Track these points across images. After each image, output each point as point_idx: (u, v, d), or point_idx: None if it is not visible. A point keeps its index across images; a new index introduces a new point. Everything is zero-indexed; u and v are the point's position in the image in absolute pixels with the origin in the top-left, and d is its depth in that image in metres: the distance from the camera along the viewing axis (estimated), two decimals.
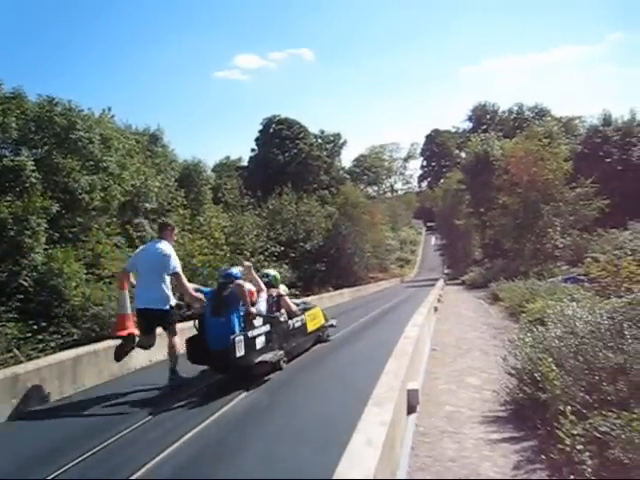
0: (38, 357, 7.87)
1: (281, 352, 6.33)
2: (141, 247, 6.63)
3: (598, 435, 3.26)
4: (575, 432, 3.34)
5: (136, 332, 6.02)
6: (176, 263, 5.98)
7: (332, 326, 9.07)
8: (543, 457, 3.63)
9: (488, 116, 63.43)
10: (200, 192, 26.14)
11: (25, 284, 11.93)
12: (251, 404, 5.03)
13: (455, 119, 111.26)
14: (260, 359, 5.81)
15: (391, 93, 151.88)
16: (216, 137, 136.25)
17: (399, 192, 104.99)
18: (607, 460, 3.13)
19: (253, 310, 6.05)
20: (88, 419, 4.81)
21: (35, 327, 10.59)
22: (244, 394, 5.31)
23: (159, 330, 6.14)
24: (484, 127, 46.10)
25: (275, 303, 6.90)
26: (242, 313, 5.95)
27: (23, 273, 12.07)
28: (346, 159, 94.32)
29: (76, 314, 11.42)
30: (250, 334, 5.83)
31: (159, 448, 3.79)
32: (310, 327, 7.78)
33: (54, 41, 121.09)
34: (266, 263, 18.12)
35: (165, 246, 6.02)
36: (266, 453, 3.71)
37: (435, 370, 6.96)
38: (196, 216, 21.02)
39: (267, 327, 6.25)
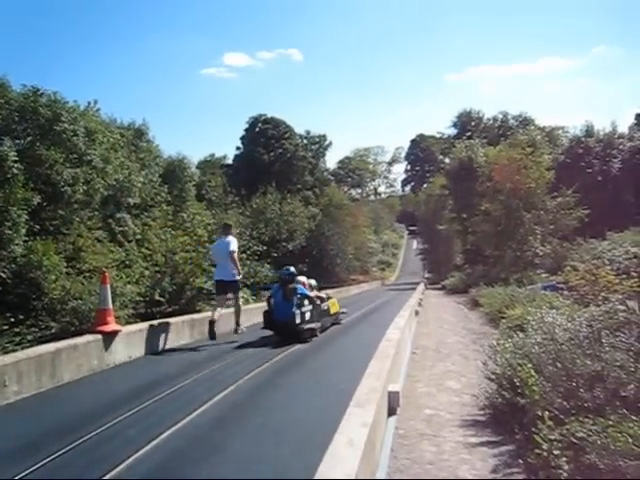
0: (15, 350, 7.75)
1: (319, 324, 9.36)
2: (215, 242, 9.61)
3: (575, 440, 3.32)
4: (552, 437, 3.40)
5: (119, 328, 6.02)
6: (235, 248, 8.78)
7: (344, 312, 12.10)
8: (520, 461, 3.69)
9: (473, 123, 63.71)
10: (184, 189, 25.92)
11: (3, 276, 11.76)
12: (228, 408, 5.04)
13: (440, 125, 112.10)
14: (308, 326, 8.77)
15: (377, 97, 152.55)
16: (201, 134, 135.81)
17: (383, 195, 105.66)
18: (583, 465, 3.19)
19: (313, 295, 9.59)
20: (69, 413, 4.78)
21: (12, 320, 10.44)
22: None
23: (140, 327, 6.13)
24: (469, 134, 46.31)
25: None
26: (298, 297, 8.71)
27: (1, 265, 11.88)
28: (331, 161, 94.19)
29: (55, 307, 11.28)
30: (303, 310, 8.68)
31: (138, 444, 3.79)
32: (332, 311, 10.85)
33: (42, 33, 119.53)
34: (248, 262, 18.05)
35: (231, 239, 8.87)
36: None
37: (415, 373, 7.01)
38: (179, 212, 20.81)
39: (311, 307, 9.06)
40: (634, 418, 3.36)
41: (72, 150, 14.82)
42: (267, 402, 5.08)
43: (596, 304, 7.05)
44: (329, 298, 11.08)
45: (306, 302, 8.93)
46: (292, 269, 9.39)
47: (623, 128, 45.85)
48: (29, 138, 14.49)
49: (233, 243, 8.74)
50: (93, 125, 16.49)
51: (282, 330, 8.66)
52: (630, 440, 3.09)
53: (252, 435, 4.06)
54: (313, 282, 10.52)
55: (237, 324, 8.95)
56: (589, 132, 41.94)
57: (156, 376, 6.20)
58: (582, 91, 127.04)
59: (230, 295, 8.94)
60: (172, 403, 4.99)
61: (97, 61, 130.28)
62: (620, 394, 3.96)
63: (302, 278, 9.90)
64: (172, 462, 3.57)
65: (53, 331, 10.54)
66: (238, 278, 8.84)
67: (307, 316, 8.81)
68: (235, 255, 8.74)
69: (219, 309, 8.67)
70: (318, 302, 9.70)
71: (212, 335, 8.30)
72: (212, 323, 8.38)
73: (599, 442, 3.19)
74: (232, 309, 9.13)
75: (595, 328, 4.99)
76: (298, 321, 8.48)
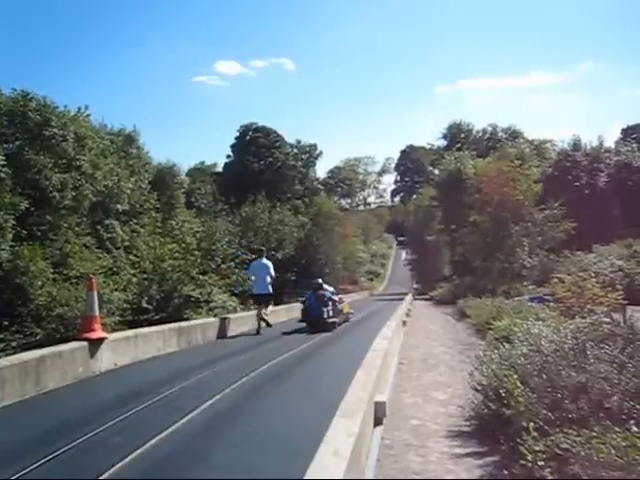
0: None
1: (337, 319, 12.54)
2: (255, 262, 12.38)
3: (559, 452, 3.33)
4: (537, 448, 3.40)
5: (105, 335, 5.98)
6: (272, 272, 11.85)
7: (352, 313, 15.47)
8: (505, 472, 3.69)
9: (462, 135, 64.16)
10: (173, 196, 25.95)
11: None
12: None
13: (430, 136, 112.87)
14: (331, 320, 12.00)
15: (368, 108, 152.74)
16: (192, 141, 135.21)
17: (372, 205, 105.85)
18: (566, 476, 3.21)
19: (336, 299, 13.09)
20: (52, 420, 4.73)
21: None
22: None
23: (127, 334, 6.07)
24: (458, 145, 46.63)
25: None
26: (325, 299, 12.09)
27: None
28: (321, 170, 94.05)
29: (41, 314, 11.20)
30: (328, 308, 12.00)
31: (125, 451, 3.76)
32: (344, 310, 14.23)
33: (32, 38, 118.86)
34: (237, 270, 18.04)
35: (268, 262, 12.04)
36: None
37: (402, 383, 7.02)
38: (168, 220, 20.75)
39: (333, 306, 12.26)
40: (617, 429, 3.38)
41: (61, 155, 14.79)
42: (254, 410, 5.07)
43: (582, 316, 7.09)
44: (343, 301, 14.72)
45: (330, 303, 12.26)
46: (320, 280, 13.31)
47: (610, 142, 46.55)
48: (18, 142, 14.44)
49: (272, 268, 11.93)
50: (83, 131, 16.45)
51: (314, 322, 11.86)
52: (613, 451, 3.11)
53: (239, 443, 4.04)
54: (332, 289, 13.77)
55: (259, 326, 11.57)
56: (576, 146, 42.40)
57: (142, 384, 6.15)
58: (570, 105, 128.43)
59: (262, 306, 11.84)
60: (158, 411, 4.96)
61: (88, 67, 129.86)
62: (604, 406, 3.98)
63: (326, 286, 13.20)
64: (158, 470, 3.55)
65: (38, 338, 10.47)
66: (271, 292, 11.88)
67: (330, 313, 12.11)
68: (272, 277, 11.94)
69: (263, 311, 11.70)
70: (337, 304, 13.00)
71: (268, 324, 11.67)
72: (261, 317, 11.58)
73: (583, 453, 3.20)
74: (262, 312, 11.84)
75: (580, 340, 5.03)
76: (325, 316, 11.94)
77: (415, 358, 9.27)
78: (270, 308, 12.15)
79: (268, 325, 11.66)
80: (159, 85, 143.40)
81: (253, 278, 12.00)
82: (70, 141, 15.05)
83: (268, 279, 11.65)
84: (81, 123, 17.11)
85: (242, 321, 12.33)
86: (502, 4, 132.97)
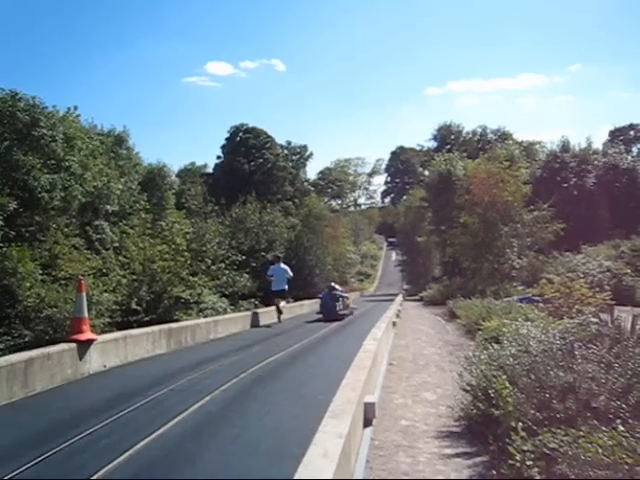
0: None
1: (346, 312, 16.36)
2: (273, 266, 14.98)
3: (547, 451, 3.36)
4: (525, 448, 3.43)
5: (94, 337, 5.95)
6: (290, 273, 14.83)
7: (355, 308, 18.86)
8: (494, 472, 3.72)
9: (452, 136, 64.36)
10: (163, 197, 25.82)
11: None
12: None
13: (420, 137, 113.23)
14: (342, 312, 15.82)
15: (359, 109, 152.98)
16: (182, 142, 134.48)
17: (362, 206, 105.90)
18: (554, 475, 3.23)
19: (345, 296, 17.59)
20: (40, 423, 4.70)
21: None
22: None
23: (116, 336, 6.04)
24: (448, 147, 46.78)
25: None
26: (337, 297, 15.95)
27: None
28: (311, 171, 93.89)
29: (29, 315, 11.05)
30: (339, 304, 15.76)
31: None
32: (350, 305, 17.75)
33: (21, 38, 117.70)
34: (227, 271, 18.03)
35: (285, 266, 14.89)
36: None
37: (392, 384, 7.04)
38: (158, 221, 20.60)
39: (342, 302, 16.06)
40: (604, 429, 3.42)
41: (50, 156, 14.63)
42: (243, 412, 5.06)
43: (570, 316, 7.15)
44: (349, 299, 18.32)
45: (340, 300, 16.13)
46: (333, 283, 17.71)
47: (598, 144, 47.00)
48: (6, 143, 14.25)
49: (289, 270, 14.87)
50: (72, 131, 16.30)
51: (328, 314, 15.28)
52: (600, 450, 3.14)
53: (229, 445, 4.05)
54: (341, 289, 17.79)
55: (279, 319, 14.30)
56: (565, 147, 42.66)
57: (131, 386, 6.13)
58: (559, 107, 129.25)
59: (278, 300, 14.51)
60: (147, 413, 4.94)
61: (78, 67, 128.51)
62: (591, 405, 4.02)
63: (337, 286, 17.20)
64: (147, 472, 3.54)
65: (27, 340, 10.34)
66: (286, 288, 14.59)
67: (341, 307, 15.92)
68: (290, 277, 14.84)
69: (280, 304, 14.35)
70: (345, 300, 16.90)
71: (278, 318, 14.22)
72: (279, 309, 14.25)
73: (570, 453, 3.23)
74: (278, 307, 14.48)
75: (568, 340, 5.07)
76: (337, 309, 15.62)
77: (405, 359, 9.30)
78: (283, 303, 14.68)
79: (279, 320, 14.14)
80: (149, 85, 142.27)
81: (273, 278, 14.48)
82: (59, 141, 14.89)
83: (285, 280, 14.47)
84: (70, 123, 16.95)
85: (232, 322, 12.40)
86: (491, 7, 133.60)
